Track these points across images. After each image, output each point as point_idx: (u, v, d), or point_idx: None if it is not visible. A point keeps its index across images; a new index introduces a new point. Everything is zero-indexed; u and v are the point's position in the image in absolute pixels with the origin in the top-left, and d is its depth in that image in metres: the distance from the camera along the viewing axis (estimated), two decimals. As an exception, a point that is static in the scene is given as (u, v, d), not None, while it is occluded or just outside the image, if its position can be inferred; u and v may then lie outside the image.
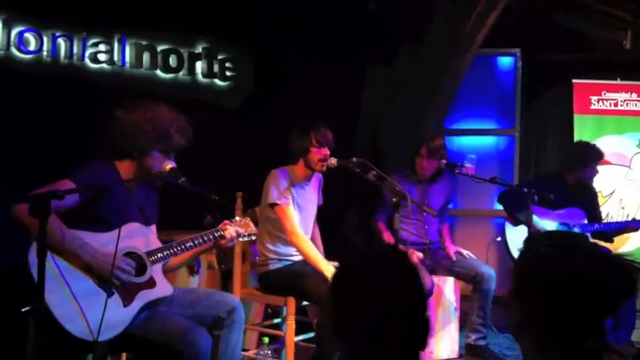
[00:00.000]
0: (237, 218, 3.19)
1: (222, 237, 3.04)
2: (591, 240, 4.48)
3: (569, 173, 4.76)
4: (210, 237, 3.02)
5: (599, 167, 4.87)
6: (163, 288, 2.88)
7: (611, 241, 4.82)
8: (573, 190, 4.76)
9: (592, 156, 4.75)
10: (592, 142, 4.95)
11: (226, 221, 3.12)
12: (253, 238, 3.29)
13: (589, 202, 4.83)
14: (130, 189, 2.95)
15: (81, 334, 2.53)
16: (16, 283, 2.63)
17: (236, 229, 3.08)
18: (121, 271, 2.68)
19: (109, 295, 2.64)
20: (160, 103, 2.95)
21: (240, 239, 3.16)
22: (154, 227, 3.08)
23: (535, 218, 4.49)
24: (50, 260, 2.51)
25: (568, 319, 1.42)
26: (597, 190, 5.09)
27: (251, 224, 3.22)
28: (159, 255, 2.88)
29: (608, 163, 6.00)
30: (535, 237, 1.57)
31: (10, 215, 2.54)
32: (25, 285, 2.55)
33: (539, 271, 1.47)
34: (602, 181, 5.08)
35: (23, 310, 2.51)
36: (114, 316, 2.63)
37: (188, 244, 2.96)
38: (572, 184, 4.76)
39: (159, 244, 2.94)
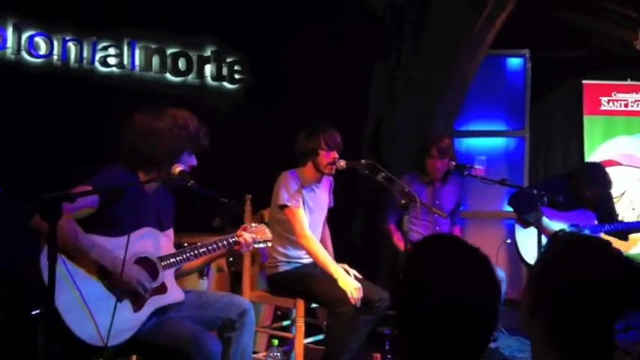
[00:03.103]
0: (254, 225, 3.19)
1: (237, 243, 3.04)
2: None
3: (575, 183, 4.72)
4: (225, 243, 3.02)
5: (609, 168, 4.82)
6: (175, 294, 2.88)
7: (626, 239, 4.79)
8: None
9: (593, 182, 4.66)
10: (600, 167, 4.85)
11: (244, 225, 3.13)
12: (269, 244, 3.27)
13: (601, 203, 4.78)
14: (150, 194, 2.96)
15: (90, 339, 2.53)
16: (27, 287, 2.65)
17: (251, 235, 3.08)
18: (141, 286, 2.69)
19: (119, 300, 2.65)
20: (178, 107, 2.96)
21: (255, 245, 3.16)
22: (170, 232, 3.07)
23: (545, 220, 4.47)
24: (61, 264, 2.52)
25: (578, 320, 1.42)
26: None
27: (267, 230, 3.20)
28: (171, 260, 2.87)
29: (619, 164, 5.97)
30: (561, 237, 1.57)
31: (29, 226, 2.56)
32: (35, 289, 2.57)
33: (558, 272, 1.47)
34: (613, 182, 5.04)
35: (33, 313, 2.52)
36: (123, 321, 2.63)
37: (202, 250, 2.95)
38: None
39: (172, 250, 2.93)
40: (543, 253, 1.55)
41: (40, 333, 2.49)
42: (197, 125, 2.94)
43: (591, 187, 4.64)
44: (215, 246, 3.00)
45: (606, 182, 4.68)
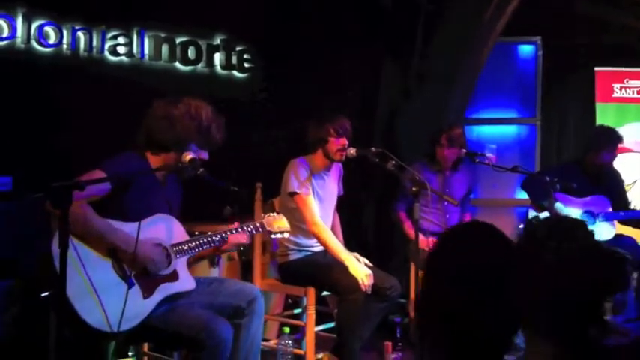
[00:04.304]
0: (272, 214, 3.22)
1: (259, 228, 3.08)
2: (615, 227, 4.45)
3: (587, 159, 4.70)
4: (247, 228, 3.05)
5: (621, 155, 4.79)
6: (186, 282, 2.88)
7: None
8: (596, 178, 4.69)
9: (606, 140, 4.65)
10: (610, 127, 4.85)
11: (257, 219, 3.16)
12: (286, 235, 3.30)
13: (613, 189, 4.76)
14: (161, 182, 2.96)
15: (99, 325, 2.54)
16: (39, 273, 2.66)
17: (258, 224, 3.10)
18: (154, 265, 2.71)
19: (130, 286, 2.66)
20: (200, 99, 2.96)
21: (273, 236, 3.21)
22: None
23: (559, 205, 4.45)
24: (72, 250, 2.53)
25: (564, 308, 1.44)
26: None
27: (284, 220, 3.23)
28: (184, 248, 2.87)
29: (630, 151, 5.92)
30: (532, 225, 1.57)
31: (44, 210, 2.56)
32: (47, 275, 2.57)
33: (535, 261, 1.48)
34: (624, 169, 5.01)
35: (43, 295, 2.52)
36: (133, 307, 2.63)
37: (216, 238, 2.96)
38: (594, 171, 4.69)
39: (185, 236, 2.93)
40: (520, 242, 1.56)
41: (51, 319, 2.50)
42: (210, 117, 2.92)
43: (604, 147, 4.60)
44: (229, 233, 3.00)
45: (617, 139, 4.66)
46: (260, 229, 3.14)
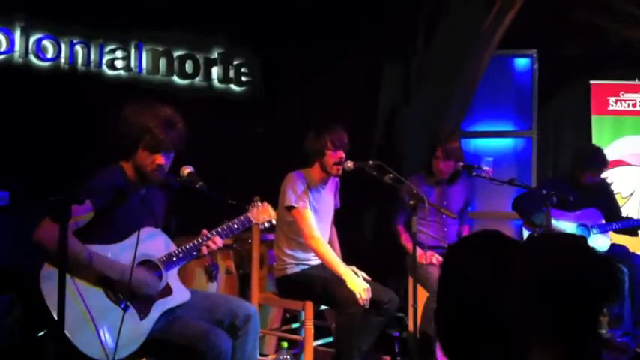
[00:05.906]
0: (257, 204, 3.12)
1: (246, 222, 3.03)
2: (610, 238, 4.48)
3: (574, 174, 4.74)
4: (234, 226, 3.02)
5: (617, 168, 4.81)
6: (180, 295, 2.87)
7: (637, 235, 4.80)
8: (586, 191, 4.71)
9: (590, 163, 4.68)
10: (597, 147, 4.87)
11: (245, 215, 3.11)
12: (274, 222, 3.21)
13: (604, 201, 4.78)
14: (142, 192, 2.91)
15: (100, 356, 2.53)
16: (31, 305, 2.64)
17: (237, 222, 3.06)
18: (147, 287, 2.70)
19: (125, 309, 2.64)
20: (155, 100, 2.84)
21: (260, 227, 3.17)
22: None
23: (552, 221, 4.46)
24: (69, 281, 2.50)
25: (562, 317, 1.45)
26: (616, 192, 5.04)
27: (270, 209, 3.15)
28: (173, 259, 2.85)
29: (627, 164, 5.94)
30: (533, 239, 1.60)
31: (32, 241, 2.56)
32: (37, 308, 2.55)
33: (535, 272, 1.49)
34: (622, 182, 5.02)
35: (39, 334, 2.51)
36: (131, 331, 2.63)
37: (202, 241, 2.93)
38: (584, 185, 4.71)
39: (173, 247, 2.91)
40: (517, 256, 1.58)
41: (49, 353, 2.49)
42: (152, 117, 2.74)
43: (587, 169, 4.64)
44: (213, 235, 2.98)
45: (602, 161, 4.67)
46: (247, 224, 3.06)
